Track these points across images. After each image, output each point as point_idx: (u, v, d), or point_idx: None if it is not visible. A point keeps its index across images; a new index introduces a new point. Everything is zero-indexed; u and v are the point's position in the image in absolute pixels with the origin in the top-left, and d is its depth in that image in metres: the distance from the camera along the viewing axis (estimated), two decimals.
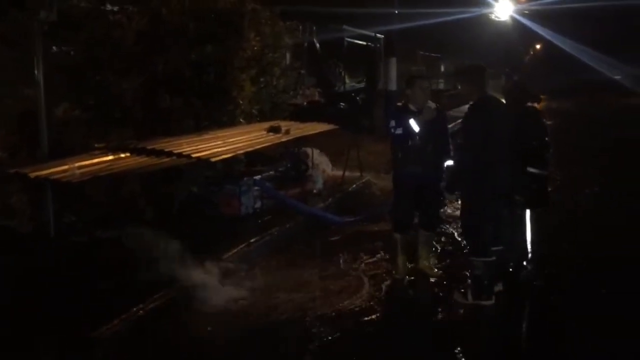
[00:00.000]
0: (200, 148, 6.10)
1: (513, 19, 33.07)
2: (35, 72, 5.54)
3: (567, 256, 6.55)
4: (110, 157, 5.65)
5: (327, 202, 8.46)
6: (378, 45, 18.20)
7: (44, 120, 5.59)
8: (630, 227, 7.48)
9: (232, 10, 8.01)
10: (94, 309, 4.59)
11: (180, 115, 7.23)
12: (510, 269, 5.85)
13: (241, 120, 8.33)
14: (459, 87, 14.12)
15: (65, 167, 5.06)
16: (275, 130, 7.52)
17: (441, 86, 30.47)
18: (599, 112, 24.76)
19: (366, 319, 5.00)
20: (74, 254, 5.48)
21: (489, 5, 30.37)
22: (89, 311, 4.55)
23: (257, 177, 7.76)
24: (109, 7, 7.19)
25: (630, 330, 4.75)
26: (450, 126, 6.55)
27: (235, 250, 6.19)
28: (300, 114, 10.72)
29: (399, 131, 5.57)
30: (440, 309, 5.28)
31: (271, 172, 8.58)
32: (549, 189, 6.24)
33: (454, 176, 5.39)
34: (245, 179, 7.50)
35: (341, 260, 6.35)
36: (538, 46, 47.16)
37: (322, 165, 9.69)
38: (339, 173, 9.64)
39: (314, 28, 15.84)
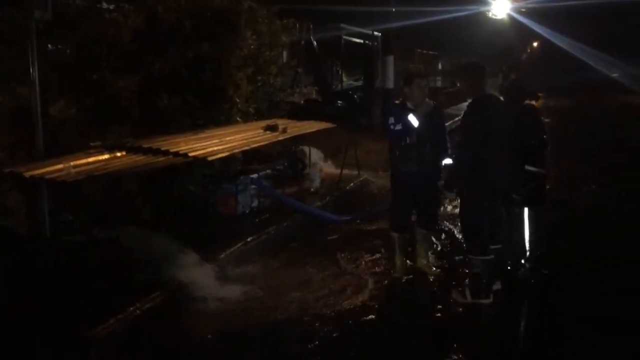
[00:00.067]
0: (197, 147, 6.07)
1: (510, 17, 33.08)
2: (31, 70, 5.51)
3: (566, 255, 6.54)
4: (106, 156, 5.62)
5: (324, 200, 8.43)
6: (375, 43, 18.19)
7: (40, 119, 5.56)
8: (629, 227, 7.47)
9: (228, 8, 7.98)
10: (90, 308, 4.56)
11: (176, 113, 7.20)
12: (509, 268, 5.83)
13: (238, 118, 8.30)
14: (459, 85, 14.13)
15: (61, 166, 5.03)
16: (272, 128, 7.49)
17: (439, 84, 30.51)
18: (597, 110, 24.80)
19: (365, 318, 4.98)
20: (70, 253, 5.44)
21: (486, 3, 30.39)
22: (85, 311, 4.52)
23: (254, 175, 7.74)
24: (104, 5, 7.16)
25: (629, 329, 4.74)
26: (447, 124, 6.54)
27: (232, 249, 6.16)
28: (298, 113, 10.71)
29: (399, 127, 5.56)
30: (438, 308, 5.26)
31: (268, 171, 8.55)
32: (547, 187, 6.22)
33: (453, 174, 5.38)
34: (242, 177, 7.47)
35: (339, 259, 6.33)
36: (535, 44, 47.23)
37: (319, 164, 9.66)
38: (337, 171, 9.62)
39: (311, 26, 15.82)
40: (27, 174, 4.98)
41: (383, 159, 10.06)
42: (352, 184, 9.54)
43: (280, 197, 7.79)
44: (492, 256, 5.25)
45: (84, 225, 6.02)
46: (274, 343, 4.59)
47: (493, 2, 30.71)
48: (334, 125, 9.12)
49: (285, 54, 11.37)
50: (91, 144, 6.06)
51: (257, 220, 7.21)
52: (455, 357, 4.40)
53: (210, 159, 5.93)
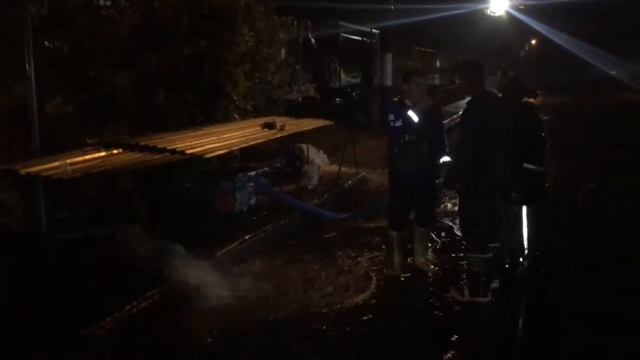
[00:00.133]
0: (194, 144, 6.03)
1: (508, 14, 33.07)
2: (27, 67, 5.48)
3: (565, 253, 6.53)
4: (103, 154, 5.58)
5: (322, 198, 8.41)
6: (374, 40, 18.16)
7: (36, 116, 5.53)
8: (628, 225, 7.46)
9: (225, 4, 7.94)
10: (87, 307, 4.54)
11: (174, 110, 7.16)
12: (507, 266, 5.82)
13: (235, 116, 8.27)
14: (458, 82, 14.11)
15: (57, 163, 4.99)
16: (270, 126, 7.46)
17: (437, 82, 30.50)
18: (595, 107, 24.80)
19: (363, 316, 4.96)
20: (67, 251, 5.41)
21: (484, 0, 30.36)
22: (81, 309, 4.49)
23: (252, 173, 7.72)
24: (101, 1, 7.11)
25: (628, 328, 4.72)
26: (446, 122, 6.52)
27: (230, 247, 6.14)
28: (296, 110, 10.69)
29: (399, 123, 5.55)
30: (436, 306, 5.24)
31: (266, 168, 8.54)
32: (546, 186, 6.20)
33: (453, 172, 5.36)
34: (239, 175, 7.45)
35: (337, 257, 6.31)
36: (533, 41, 47.23)
37: (317, 162, 9.64)
38: (335, 169, 9.60)
39: (309, 23, 15.78)
40: (23, 172, 4.95)
41: (381, 157, 10.06)
42: (350, 182, 9.52)
43: (278, 195, 7.77)
44: (490, 254, 5.23)
45: (80, 222, 5.99)
46: (273, 342, 4.57)
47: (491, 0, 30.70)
48: (332, 123, 9.08)
49: (283, 51, 11.36)
50: (88, 141, 6.02)
51: (254, 218, 7.19)
52: (453, 355, 4.39)
53: (207, 156, 5.90)
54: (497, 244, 5.41)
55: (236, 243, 6.26)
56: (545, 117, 6.40)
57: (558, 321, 4.94)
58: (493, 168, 5.07)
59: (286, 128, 7.61)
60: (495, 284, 5.35)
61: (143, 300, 4.80)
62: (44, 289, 4.73)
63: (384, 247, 6.49)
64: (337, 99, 16.48)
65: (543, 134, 5.81)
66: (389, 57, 15.24)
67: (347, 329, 4.75)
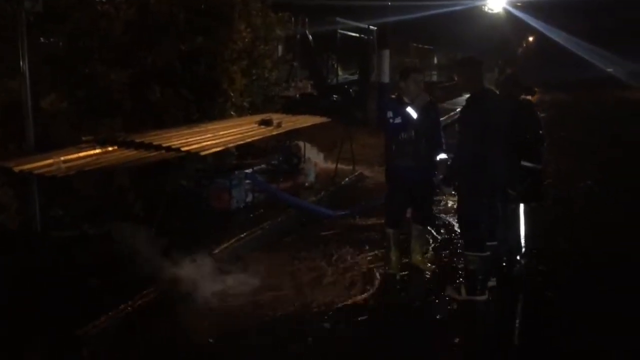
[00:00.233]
0: (190, 141, 6.00)
1: (506, 11, 33.03)
2: (21, 63, 5.44)
3: (563, 252, 6.51)
4: (98, 151, 5.54)
5: (319, 195, 8.38)
6: (371, 37, 18.11)
7: (30, 113, 5.50)
8: (627, 223, 7.44)
9: (222, 0, 7.90)
10: (81, 306, 4.49)
11: (170, 107, 7.13)
12: (504, 264, 5.79)
13: (232, 113, 8.25)
14: (456, 79, 14.09)
15: (50, 161, 4.95)
16: (266, 123, 7.43)
17: (434, 78, 30.48)
18: (593, 105, 24.80)
19: (361, 315, 4.93)
20: (61, 249, 5.37)
21: None
22: (76, 309, 4.45)
23: (249, 170, 7.67)
24: None
25: (628, 328, 4.69)
26: (443, 119, 6.49)
27: (226, 244, 6.10)
28: (293, 107, 10.66)
29: (398, 120, 5.51)
30: (433, 305, 5.21)
31: (263, 166, 8.51)
32: (545, 184, 6.17)
33: (452, 170, 5.32)
34: (236, 172, 7.41)
35: (334, 255, 6.28)
36: (531, 38, 47.21)
37: (314, 159, 9.61)
38: (332, 166, 9.57)
39: (307, 20, 15.73)
40: (17, 169, 4.90)
41: (378, 154, 10.02)
42: (347, 179, 9.49)
43: (274, 192, 7.74)
44: (488, 253, 5.20)
45: (75, 220, 5.95)
46: (270, 341, 4.53)
47: None
48: (329, 120, 9.07)
49: (280, 47, 11.34)
50: (83, 138, 5.98)
51: (251, 215, 7.16)
52: (450, 354, 4.36)
53: (203, 153, 5.86)
54: (495, 243, 5.39)
55: (233, 241, 6.22)
56: (542, 115, 6.37)
57: (556, 320, 4.90)
58: (492, 166, 5.03)
59: (283, 125, 7.58)
60: (492, 283, 5.32)
61: (139, 299, 4.76)
62: (38, 288, 4.69)
63: (377, 246, 6.45)
64: (335, 96, 16.45)
65: (541, 132, 5.78)
66: (387, 53, 15.20)
67: (345, 327, 4.72)
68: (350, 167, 9.87)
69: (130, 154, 5.57)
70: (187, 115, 7.36)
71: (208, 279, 5.33)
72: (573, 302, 5.21)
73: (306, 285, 5.50)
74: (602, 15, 38.08)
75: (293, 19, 13.33)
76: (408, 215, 5.91)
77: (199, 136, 6.30)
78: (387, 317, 5.05)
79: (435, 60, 33.81)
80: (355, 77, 18.39)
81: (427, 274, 5.81)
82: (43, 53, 6.50)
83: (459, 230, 6.48)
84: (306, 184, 8.76)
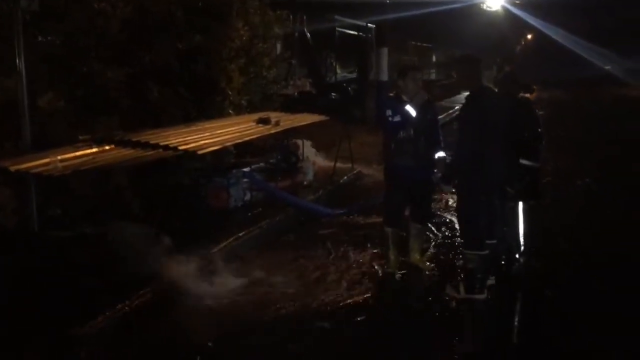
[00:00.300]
0: (188, 140, 5.98)
1: (504, 8, 33.00)
2: (17, 61, 5.42)
3: (562, 250, 6.49)
4: (95, 150, 5.52)
5: (317, 194, 8.36)
6: (370, 35, 18.05)
7: (26, 111, 5.48)
8: (625, 222, 7.42)
9: None
10: (79, 306, 4.48)
11: (167, 106, 7.11)
12: (503, 262, 5.78)
13: (230, 111, 8.23)
14: (455, 77, 14.06)
15: (47, 160, 4.93)
16: (264, 121, 7.41)
17: (433, 76, 30.45)
18: (591, 103, 24.76)
19: (360, 314, 4.91)
20: (58, 249, 5.35)
21: None
22: (73, 309, 4.43)
23: (247, 169, 7.65)
24: None
25: (628, 328, 4.67)
26: (442, 117, 6.47)
27: (224, 243, 6.08)
28: (291, 105, 10.63)
29: (397, 118, 5.49)
30: (431, 303, 5.20)
31: (261, 164, 8.47)
32: (543, 181, 6.16)
33: (452, 168, 5.31)
34: (234, 171, 7.39)
35: (332, 254, 6.26)
36: (529, 36, 47.16)
37: (312, 157, 9.58)
38: (330, 164, 9.54)
39: (305, 18, 15.70)
40: (13, 168, 4.88)
41: (377, 152, 9.99)
42: (345, 177, 9.47)
43: (273, 191, 7.72)
44: (487, 251, 5.19)
45: (72, 219, 5.93)
46: (269, 340, 4.51)
47: None
48: (328, 118, 9.04)
49: (278, 45, 11.30)
50: (80, 137, 5.96)
51: (249, 214, 7.14)
52: (448, 353, 4.35)
53: (200, 152, 5.84)
54: (494, 241, 5.37)
55: (231, 239, 6.20)
56: (541, 112, 6.33)
57: (555, 319, 4.88)
58: (491, 164, 5.02)
59: (281, 123, 7.56)
60: (491, 281, 5.30)
61: (136, 298, 4.75)
62: (35, 287, 4.67)
63: (376, 245, 6.43)
64: (333, 94, 16.42)
65: (539, 129, 5.77)
66: (385, 51, 15.17)
67: (343, 326, 4.70)
68: (349, 166, 9.85)
69: (127, 152, 5.55)
70: (185, 113, 7.35)
71: (205, 277, 5.32)
72: (571, 301, 5.20)
73: (305, 284, 5.49)
74: (600, 13, 38.05)
75: (291, 16, 13.28)
76: (407, 213, 5.90)
77: (196, 135, 6.29)
78: (387, 317, 5.03)
79: (434, 58, 33.76)
80: (354, 75, 18.35)
81: (425, 273, 5.80)
82: (40, 51, 6.48)
83: (457, 229, 6.46)
84: (304, 183, 8.74)
